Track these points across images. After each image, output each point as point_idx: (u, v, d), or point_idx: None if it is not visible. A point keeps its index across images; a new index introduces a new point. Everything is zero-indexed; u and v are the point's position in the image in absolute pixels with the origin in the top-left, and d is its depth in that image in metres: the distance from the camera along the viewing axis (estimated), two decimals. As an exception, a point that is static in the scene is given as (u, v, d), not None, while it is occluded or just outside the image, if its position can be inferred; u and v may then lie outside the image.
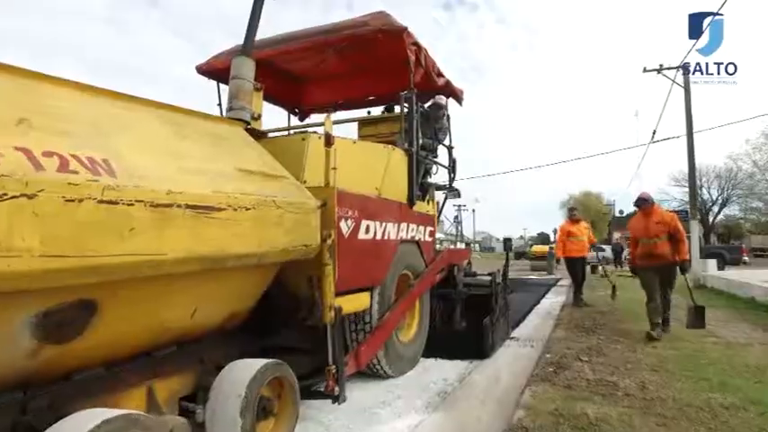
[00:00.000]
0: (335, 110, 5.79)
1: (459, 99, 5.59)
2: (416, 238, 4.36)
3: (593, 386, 3.72)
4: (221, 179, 2.22)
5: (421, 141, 4.60)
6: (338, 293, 3.00)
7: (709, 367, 4.27)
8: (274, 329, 3.16)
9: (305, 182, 3.07)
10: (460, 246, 36.26)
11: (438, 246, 5.65)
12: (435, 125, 5.05)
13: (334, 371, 2.80)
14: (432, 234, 4.71)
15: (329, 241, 2.78)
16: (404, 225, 4.07)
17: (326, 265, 2.76)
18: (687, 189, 33.67)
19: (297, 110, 5.97)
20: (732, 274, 12.77)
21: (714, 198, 38.76)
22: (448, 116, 5.39)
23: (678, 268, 5.79)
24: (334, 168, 2.89)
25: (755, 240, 34.77)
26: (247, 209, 2.19)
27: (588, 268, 9.89)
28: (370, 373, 3.92)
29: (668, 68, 14.84)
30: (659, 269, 5.80)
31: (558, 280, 15.12)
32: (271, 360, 2.47)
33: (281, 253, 2.45)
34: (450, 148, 5.53)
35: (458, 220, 60.42)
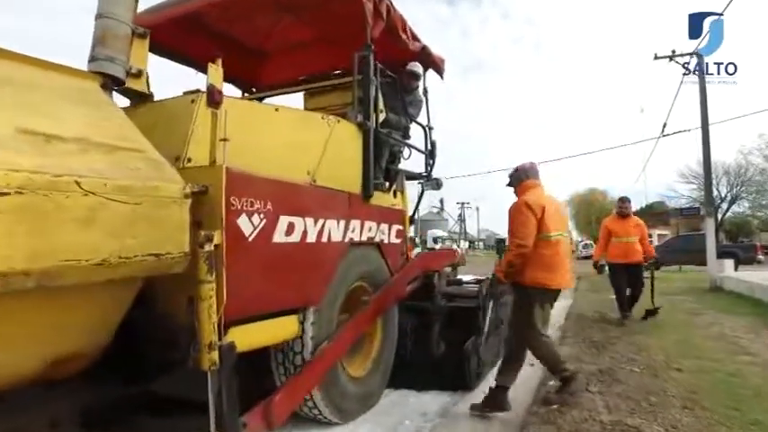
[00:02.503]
0: (297, 86, 4.91)
1: (439, 70, 4.62)
2: (376, 240, 3.37)
3: (610, 433, 2.82)
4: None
5: (384, 116, 3.63)
6: (239, 321, 2.08)
7: (755, 401, 3.34)
8: (150, 372, 2.22)
9: (189, 159, 2.13)
10: (463, 245, 35.19)
11: (440, 245, 4.66)
12: (406, 98, 4.07)
13: (218, 442, 1.86)
14: (400, 234, 3.71)
15: (209, 247, 1.83)
16: (355, 223, 3.08)
17: (204, 282, 1.81)
18: (695, 186, 32.73)
19: (254, 89, 5.10)
20: (751, 275, 11.70)
21: (723, 195, 37.52)
22: (425, 89, 4.44)
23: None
24: (225, 140, 1.95)
25: (764, 238, 33.91)
26: (2, 194, 1.24)
27: None
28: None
29: (681, 55, 13.94)
30: None
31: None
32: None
33: (102, 269, 1.50)
34: (427, 128, 4.55)
35: (461, 218, 59.51)
